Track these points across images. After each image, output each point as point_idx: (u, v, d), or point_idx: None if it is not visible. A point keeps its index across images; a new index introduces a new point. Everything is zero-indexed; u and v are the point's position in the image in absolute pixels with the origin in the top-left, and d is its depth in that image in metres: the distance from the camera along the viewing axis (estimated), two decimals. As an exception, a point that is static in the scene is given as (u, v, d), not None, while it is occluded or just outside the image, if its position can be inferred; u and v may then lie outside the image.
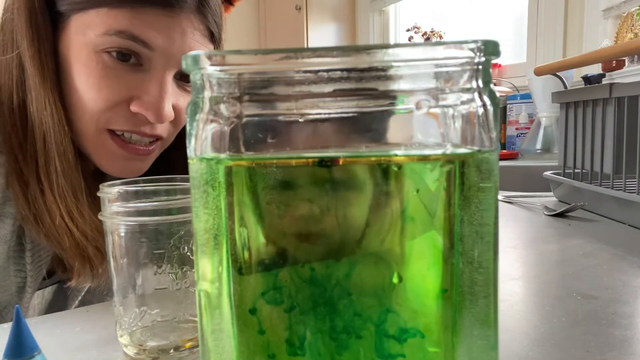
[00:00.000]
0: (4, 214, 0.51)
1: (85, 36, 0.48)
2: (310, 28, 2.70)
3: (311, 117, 0.22)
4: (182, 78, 0.54)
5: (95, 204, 0.53)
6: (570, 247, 0.62)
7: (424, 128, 0.22)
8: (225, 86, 0.22)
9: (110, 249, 0.37)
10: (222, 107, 0.22)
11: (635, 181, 0.70)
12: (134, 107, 0.50)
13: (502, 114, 1.87)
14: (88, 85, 0.49)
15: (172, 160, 0.61)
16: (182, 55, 0.50)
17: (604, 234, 0.69)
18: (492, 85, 0.23)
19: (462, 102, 0.22)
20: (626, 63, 1.56)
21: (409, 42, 1.93)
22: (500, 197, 0.99)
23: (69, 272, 0.54)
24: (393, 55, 0.21)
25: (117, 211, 0.36)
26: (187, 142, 0.23)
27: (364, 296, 0.22)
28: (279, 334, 0.23)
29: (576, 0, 1.82)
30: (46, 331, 0.40)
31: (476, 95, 0.22)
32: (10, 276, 0.53)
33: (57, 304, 0.64)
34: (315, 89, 0.21)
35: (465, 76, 0.22)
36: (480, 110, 0.22)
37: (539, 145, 1.63)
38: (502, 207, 0.91)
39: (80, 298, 0.65)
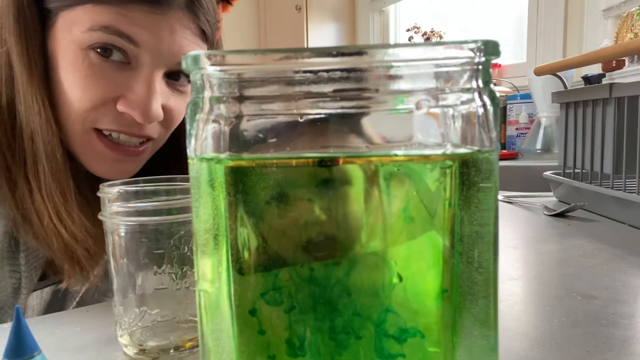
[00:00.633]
0: None
1: (72, 33, 0.47)
2: (310, 28, 2.70)
3: (311, 117, 0.22)
4: (173, 77, 0.52)
5: (87, 205, 0.53)
6: (570, 247, 0.62)
7: (424, 128, 0.22)
8: (225, 86, 0.22)
9: (110, 249, 0.37)
10: (222, 107, 0.22)
11: (635, 181, 0.70)
12: (120, 107, 0.49)
13: (502, 114, 1.87)
14: (74, 84, 0.48)
15: (167, 164, 0.61)
16: (172, 53, 0.50)
17: (604, 234, 0.69)
18: (492, 85, 0.23)
19: (462, 102, 0.22)
20: (626, 63, 1.55)
21: (409, 42, 1.93)
22: (500, 197, 0.99)
23: (60, 274, 0.53)
24: (393, 55, 0.21)
25: (117, 211, 0.36)
26: (187, 142, 0.23)
27: (363, 296, 0.22)
28: (279, 334, 0.23)
29: (576, 0, 1.82)
30: (46, 331, 0.40)
31: (476, 95, 0.22)
32: (5, 277, 0.53)
33: (55, 305, 0.63)
34: (315, 89, 0.21)
35: (465, 76, 0.22)
36: (480, 110, 0.22)
37: (539, 145, 1.63)
38: (502, 207, 0.91)
39: (77, 299, 0.64)
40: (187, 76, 0.53)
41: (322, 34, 2.75)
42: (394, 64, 0.21)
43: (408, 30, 2.59)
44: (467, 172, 0.22)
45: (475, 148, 0.22)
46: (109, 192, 0.36)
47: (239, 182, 0.22)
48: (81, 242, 0.51)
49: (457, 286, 0.22)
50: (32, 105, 0.48)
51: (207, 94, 0.22)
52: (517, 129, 1.83)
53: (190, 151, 0.23)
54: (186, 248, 0.36)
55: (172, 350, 0.36)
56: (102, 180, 0.57)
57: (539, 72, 1.05)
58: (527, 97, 1.79)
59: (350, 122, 0.22)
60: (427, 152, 0.22)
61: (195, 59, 0.22)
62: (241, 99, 0.22)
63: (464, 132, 0.22)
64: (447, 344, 0.23)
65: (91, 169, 0.53)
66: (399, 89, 0.21)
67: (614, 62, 1.46)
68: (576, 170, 0.89)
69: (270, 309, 0.23)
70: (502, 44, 0.22)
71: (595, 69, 1.59)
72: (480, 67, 0.22)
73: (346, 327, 0.23)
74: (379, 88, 0.21)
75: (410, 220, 0.22)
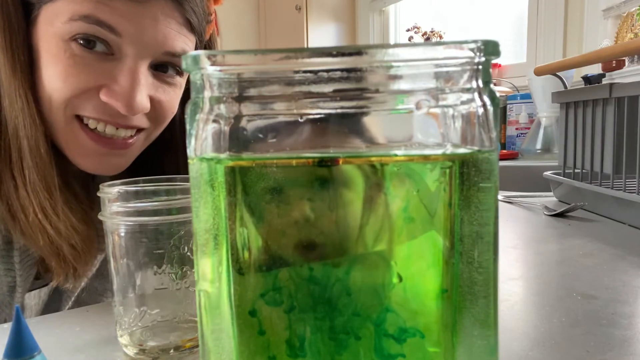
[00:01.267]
0: None
1: (54, 25, 0.47)
2: (310, 28, 2.70)
3: (311, 117, 0.22)
4: (161, 69, 0.52)
5: (75, 201, 0.52)
6: (570, 247, 0.62)
7: (424, 128, 0.22)
8: (225, 86, 0.22)
9: (110, 249, 0.37)
10: (222, 107, 0.22)
11: (635, 181, 0.70)
12: (103, 97, 0.48)
13: (502, 114, 1.87)
14: (55, 74, 0.48)
15: (163, 164, 0.60)
16: (157, 43, 0.49)
17: (604, 234, 0.69)
18: (492, 85, 0.23)
19: (462, 102, 0.22)
20: (626, 63, 1.55)
21: (409, 42, 1.93)
22: (500, 197, 0.99)
23: (51, 273, 0.53)
24: (393, 55, 0.21)
25: (117, 211, 0.36)
26: (187, 142, 0.23)
27: (363, 296, 0.22)
28: (279, 335, 0.23)
29: (576, 0, 1.82)
30: (46, 331, 0.40)
31: (476, 95, 0.22)
32: (0, 276, 0.53)
33: (53, 305, 0.63)
34: (315, 89, 0.21)
35: (465, 76, 0.22)
36: (480, 110, 0.22)
37: (539, 145, 1.63)
38: (502, 207, 0.91)
39: (74, 298, 0.64)
40: (175, 68, 0.52)
41: (322, 34, 2.75)
42: (394, 64, 0.21)
43: (408, 30, 2.59)
44: (467, 172, 0.22)
45: (475, 148, 0.22)
46: (109, 192, 0.36)
47: (239, 182, 0.22)
48: (66, 237, 0.50)
49: (457, 286, 0.22)
50: (16, 100, 0.48)
51: (207, 94, 0.22)
52: (517, 129, 1.83)
53: (190, 151, 0.23)
54: (186, 248, 0.36)
55: (172, 350, 0.36)
56: (94, 176, 0.57)
57: (539, 72, 1.05)
58: (527, 97, 1.79)
59: (350, 122, 0.22)
60: (427, 152, 0.22)
61: (195, 59, 0.22)
62: (241, 99, 0.22)
63: (464, 132, 0.22)
64: (447, 344, 0.23)
65: (77, 163, 0.52)
66: (399, 89, 0.21)
67: (614, 62, 1.46)
68: (576, 170, 0.89)
69: (270, 309, 0.23)
70: (502, 44, 0.22)
71: (595, 69, 1.59)
72: (480, 67, 0.22)
73: (346, 327, 0.23)
74: (379, 88, 0.21)
75: (410, 220, 0.22)
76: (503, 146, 1.85)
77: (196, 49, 0.55)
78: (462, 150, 0.22)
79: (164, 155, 0.60)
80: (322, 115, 0.22)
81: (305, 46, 2.34)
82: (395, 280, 0.22)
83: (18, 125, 0.48)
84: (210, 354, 0.24)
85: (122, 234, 0.36)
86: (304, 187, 0.22)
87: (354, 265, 0.22)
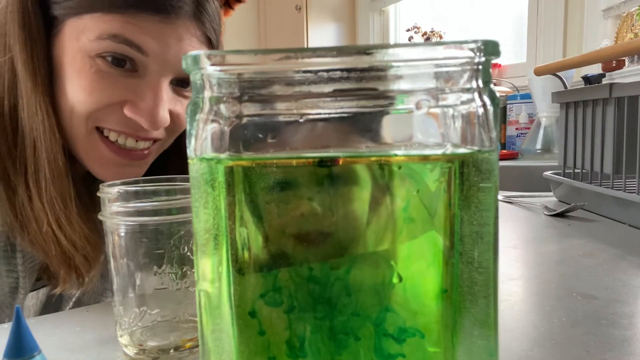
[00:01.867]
0: None
1: (80, 41, 0.48)
2: (310, 28, 2.70)
3: (311, 117, 0.22)
4: (180, 84, 0.53)
5: (85, 212, 0.52)
6: (570, 247, 0.62)
7: (424, 128, 0.22)
8: (225, 86, 0.22)
9: (110, 249, 0.37)
10: (222, 107, 0.22)
11: (635, 181, 0.70)
12: (127, 112, 0.49)
13: (502, 114, 1.87)
14: (80, 88, 0.48)
15: (168, 165, 0.61)
16: (179, 61, 0.49)
17: (604, 234, 0.69)
18: (492, 85, 0.23)
19: (462, 102, 0.22)
20: (626, 63, 1.55)
21: (409, 42, 1.93)
22: (500, 197, 0.99)
23: (55, 280, 0.53)
24: (393, 55, 0.21)
25: (117, 211, 0.36)
26: (187, 142, 0.23)
27: (363, 296, 0.22)
28: (279, 335, 0.23)
29: (576, 0, 1.82)
30: (46, 331, 0.40)
31: (476, 95, 0.22)
32: (2, 276, 0.53)
33: (51, 305, 0.63)
34: (315, 89, 0.21)
35: (465, 76, 0.22)
36: (480, 110, 0.22)
37: (539, 145, 1.63)
38: (502, 207, 0.91)
39: (74, 299, 0.64)
40: None
41: (322, 34, 2.75)
42: (394, 64, 0.21)
43: (408, 30, 2.59)
44: (467, 172, 0.22)
45: (475, 148, 0.22)
46: (109, 192, 0.36)
47: (239, 182, 0.22)
48: (80, 249, 0.51)
49: (457, 286, 0.22)
50: (36, 112, 0.48)
51: (207, 94, 0.22)
52: (517, 129, 1.83)
53: (190, 151, 0.23)
54: (186, 248, 0.36)
55: (172, 350, 0.36)
56: (94, 178, 0.57)
57: (539, 72, 1.05)
58: (527, 97, 1.79)
59: (350, 122, 0.22)
60: (427, 152, 0.22)
61: (195, 59, 0.22)
62: (241, 99, 0.22)
63: (464, 132, 0.22)
64: (447, 344, 0.23)
65: (95, 173, 0.54)
66: (399, 89, 0.21)
67: (614, 62, 1.46)
68: (576, 170, 0.89)
69: (270, 309, 0.23)
70: (502, 44, 0.22)
71: (595, 69, 1.59)
72: (480, 67, 0.22)
73: (346, 327, 0.23)
74: (379, 88, 0.21)
75: (411, 220, 0.22)
76: (503, 146, 1.85)
77: None
78: (462, 150, 0.22)
79: (168, 158, 0.60)
80: (322, 115, 0.22)
81: (305, 46, 2.34)
82: (395, 280, 0.22)
83: (37, 137, 0.49)
84: (210, 354, 0.24)
85: (122, 234, 0.36)
86: (304, 187, 0.22)
87: (354, 265, 0.22)
